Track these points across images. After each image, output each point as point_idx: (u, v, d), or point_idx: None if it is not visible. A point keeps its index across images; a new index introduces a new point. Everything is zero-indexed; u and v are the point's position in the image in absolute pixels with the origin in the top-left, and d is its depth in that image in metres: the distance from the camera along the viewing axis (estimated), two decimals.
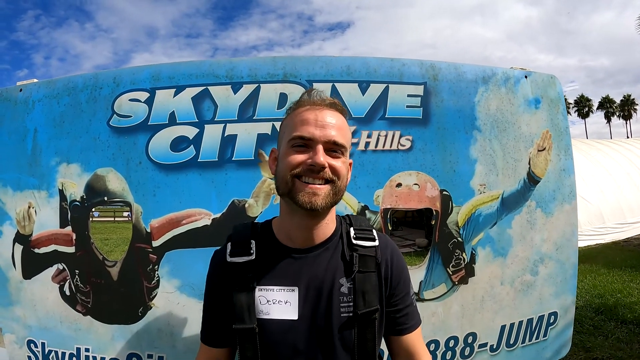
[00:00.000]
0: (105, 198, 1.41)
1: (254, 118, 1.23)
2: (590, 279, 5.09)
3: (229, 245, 0.85)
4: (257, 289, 0.80)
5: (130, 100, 1.36)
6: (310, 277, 0.80)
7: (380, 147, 1.25)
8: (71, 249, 1.48)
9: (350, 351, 0.80)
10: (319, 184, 0.75)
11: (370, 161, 1.25)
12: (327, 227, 0.83)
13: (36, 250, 1.53)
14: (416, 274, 1.39)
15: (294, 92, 1.22)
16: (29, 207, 1.55)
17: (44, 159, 1.52)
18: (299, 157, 0.76)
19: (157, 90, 1.32)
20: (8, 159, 1.57)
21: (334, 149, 0.77)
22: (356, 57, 1.24)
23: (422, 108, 1.28)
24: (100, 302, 1.42)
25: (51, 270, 1.52)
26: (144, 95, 1.34)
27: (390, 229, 1.34)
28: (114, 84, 1.40)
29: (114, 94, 1.39)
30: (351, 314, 0.79)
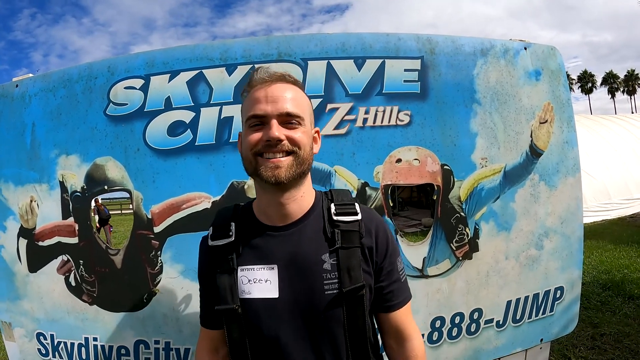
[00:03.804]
0: (106, 187, 1.41)
1: None
2: (596, 254, 5.08)
3: (210, 229, 0.87)
4: (239, 270, 0.80)
5: (126, 88, 1.35)
6: (289, 254, 0.79)
7: (378, 123, 1.23)
8: (74, 240, 1.49)
9: (340, 329, 0.78)
10: (280, 157, 0.76)
11: (369, 137, 1.24)
12: (303, 201, 0.82)
13: (40, 243, 1.54)
14: (419, 250, 1.38)
15: (289, 70, 1.20)
16: (31, 201, 1.55)
17: (43, 152, 1.52)
18: (256, 135, 0.76)
19: (152, 76, 1.31)
20: (8, 155, 1.57)
21: (289, 120, 0.77)
22: (351, 34, 1.22)
23: (419, 82, 1.26)
24: (106, 291, 1.43)
25: (56, 262, 1.53)
26: (138, 83, 1.33)
27: (396, 209, 1.33)
28: (109, 73, 1.39)
29: (109, 83, 1.38)
30: (337, 292, 0.77)
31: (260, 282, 0.79)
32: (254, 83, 0.80)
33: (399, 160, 1.26)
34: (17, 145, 1.56)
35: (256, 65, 1.20)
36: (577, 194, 1.58)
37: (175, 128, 1.29)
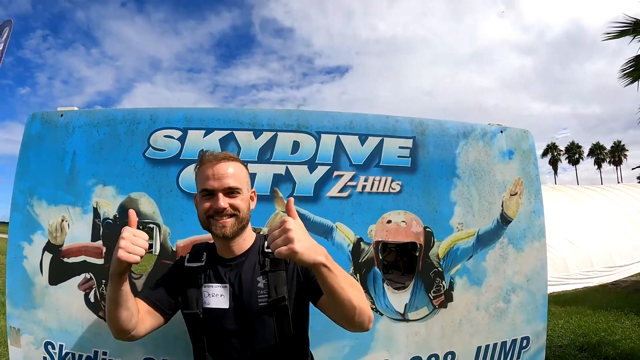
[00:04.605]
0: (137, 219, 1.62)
1: (271, 160, 1.48)
2: (575, 319, 5.11)
3: (187, 255, 1.20)
4: (203, 286, 1.11)
5: (165, 136, 1.59)
6: (237, 277, 1.11)
7: (375, 190, 1.49)
8: (100, 261, 1.67)
9: (271, 329, 1.06)
10: (225, 219, 1.07)
11: (366, 201, 1.49)
12: (244, 242, 1.14)
13: (65, 260, 1.71)
14: (402, 297, 1.61)
15: (305, 140, 1.47)
16: (62, 221, 1.73)
17: (81, 179, 1.72)
18: (208, 204, 1.08)
19: (189, 130, 1.56)
20: (45, 176, 1.74)
21: (230, 191, 1.08)
22: (357, 114, 1.50)
23: (411, 158, 1.53)
24: None
25: (78, 279, 1.69)
26: (177, 133, 1.58)
27: (381, 271, 1.56)
28: (151, 121, 1.63)
29: (150, 129, 1.62)
30: (267, 303, 1.07)
31: (216, 296, 1.10)
32: (204, 161, 1.11)
33: (389, 222, 1.51)
34: (55, 168, 1.74)
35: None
36: (542, 257, 1.82)
37: None
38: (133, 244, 0.93)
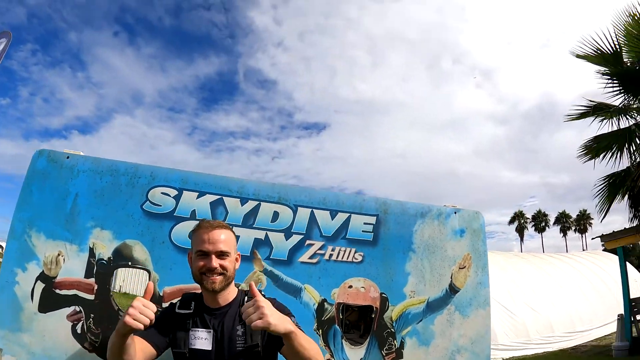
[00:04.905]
0: (130, 263, 1.81)
1: (253, 226, 1.71)
2: None
3: (178, 302, 1.43)
4: (190, 330, 1.33)
5: (162, 193, 1.81)
6: (220, 324, 1.33)
7: (340, 258, 1.74)
8: (91, 297, 1.84)
9: None
10: (215, 277, 1.31)
11: (332, 268, 1.74)
12: (229, 295, 1.38)
13: (57, 291, 1.86)
14: (358, 352, 1.83)
15: (284, 211, 1.72)
16: (59, 255, 1.89)
17: (81, 219, 1.90)
18: (202, 263, 1.35)
19: (185, 190, 1.79)
20: (46, 211, 1.90)
21: (221, 254, 1.35)
22: (331, 192, 1.76)
23: (373, 233, 1.79)
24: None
25: (67, 310, 1.85)
26: (173, 192, 1.80)
27: (343, 329, 1.79)
28: (151, 177, 1.85)
29: (149, 185, 1.84)
30: (243, 347, 1.29)
31: (201, 339, 1.31)
32: (202, 225, 1.38)
33: (350, 286, 1.75)
34: (57, 205, 1.90)
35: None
36: (486, 322, 2.07)
37: None
38: (141, 312, 1.15)
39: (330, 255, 1.72)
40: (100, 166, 1.96)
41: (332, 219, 1.74)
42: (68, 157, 1.99)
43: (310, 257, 1.71)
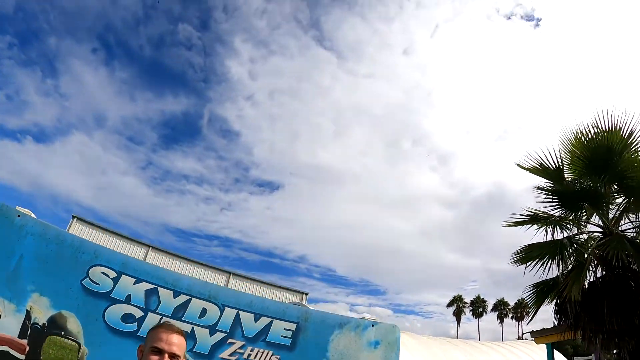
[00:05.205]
0: (63, 333, 1.92)
1: (182, 318, 1.86)
2: None
3: None
4: None
5: (102, 273, 1.93)
6: None
7: (257, 359, 1.90)
8: (21, 357, 1.95)
9: None
10: None
11: None
12: None
13: None
14: None
15: (212, 309, 1.87)
16: None
17: (22, 281, 1.99)
18: (155, 357, 1.44)
19: (123, 274, 1.91)
20: None
21: (173, 356, 1.46)
22: (257, 297, 1.92)
23: (292, 339, 1.96)
24: None
25: None
26: (112, 274, 1.92)
27: None
28: (94, 255, 1.97)
29: (91, 262, 1.96)
30: None
31: None
32: (162, 326, 1.49)
33: None
34: (1, 263, 1.99)
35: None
36: None
37: (127, 317, 1.88)
38: None
39: (249, 355, 1.89)
40: (48, 233, 2.05)
41: (255, 322, 1.90)
42: (19, 216, 2.07)
43: (230, 355, 1.87)
